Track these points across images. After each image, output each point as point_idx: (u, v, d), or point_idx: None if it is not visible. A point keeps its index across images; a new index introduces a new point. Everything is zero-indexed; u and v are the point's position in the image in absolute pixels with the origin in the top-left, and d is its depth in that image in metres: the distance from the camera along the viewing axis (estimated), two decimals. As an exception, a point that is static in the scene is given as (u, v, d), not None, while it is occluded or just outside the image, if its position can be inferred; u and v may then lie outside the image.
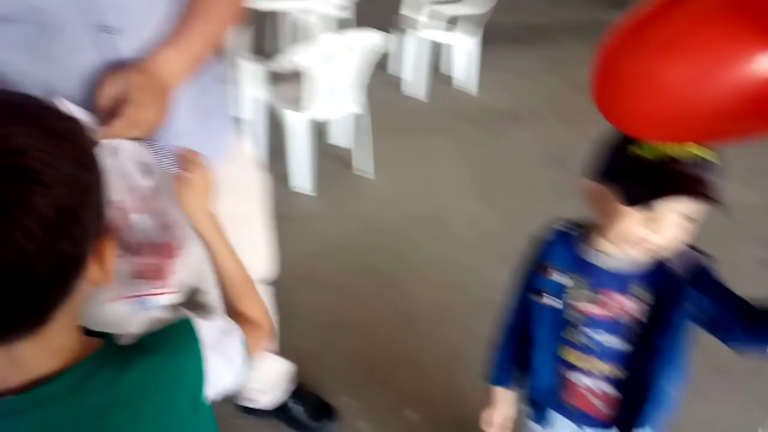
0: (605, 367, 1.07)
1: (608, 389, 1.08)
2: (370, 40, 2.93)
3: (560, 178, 3.28)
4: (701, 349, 1.09)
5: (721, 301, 0.96)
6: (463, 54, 4.40)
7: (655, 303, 1.00)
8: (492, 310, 2.22)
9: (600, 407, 1.11)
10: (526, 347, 1.14)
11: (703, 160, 0.86)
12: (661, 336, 1.00)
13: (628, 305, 1.01)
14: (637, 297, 1.01)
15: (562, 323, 1.06)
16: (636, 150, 0.88)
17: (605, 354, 1.05)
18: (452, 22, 4.43)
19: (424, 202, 3.06)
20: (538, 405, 1.19)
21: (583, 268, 1.03)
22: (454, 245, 2.72)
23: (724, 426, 1.86)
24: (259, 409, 1.84)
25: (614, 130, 0.96)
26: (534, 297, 1.08)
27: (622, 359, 1.05)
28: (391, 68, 4.53)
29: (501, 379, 1.26)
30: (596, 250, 1.02)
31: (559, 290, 1.05)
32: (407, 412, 1.90)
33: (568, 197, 2.99)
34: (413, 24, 4.32)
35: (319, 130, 3.56)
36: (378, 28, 2.99)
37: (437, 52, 4.58)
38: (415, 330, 2.22)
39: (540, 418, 1.19)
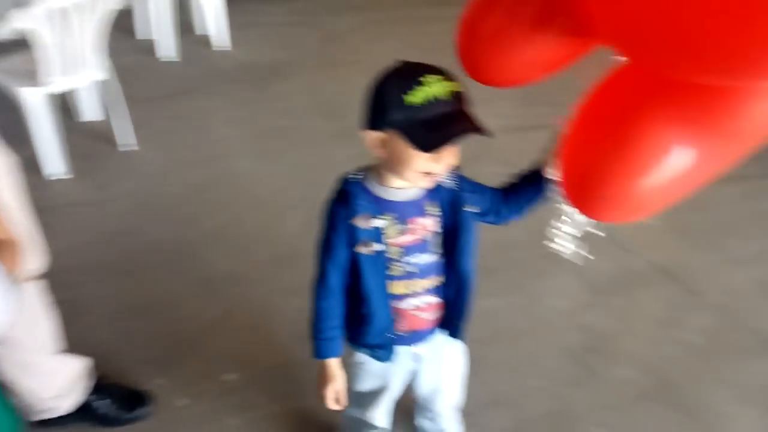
0: (426, 283, 1.22)
1: (432, 299, 1.24)
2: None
3: (333, 126, 3.43)
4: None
5: (485, 194, 1.22)
6: (212, 10, 4.23)
7: (442, 213, 1.17)
8: (293, 260, 2.31)
9: (428, 318, 1.27)
10: (353, 303, 1.21)
11: (459, 92, 1.02)
12: (457, 237, 1.18)
13: (427, 224, 1.17)
14: (430, 214, 1.17)
15: (386, 263, 1.17)
16: (410, 99, 0.99)
17: (424, 271, 1.20)
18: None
19: (203, 167, 2.95)
20: (380, 347, 1.26)
21: (388, 207, 1.14)
22: (243, 205, 2.70)
23: (501, 314, 2.22)
24: (59, 417, 1.68)
25: (375, 79, 1.06)
26: (361, 249, 1.14)
27: (437, 269, 1.22)
28: (140, 32, 4.18)
29: (331, 350, 1.24)
30: (390, 187, 1.14)
31: (378, 234, 1.14)
32: (225, 376, 1.91)
33: (344, 143, 3.19)
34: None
35: (67, 106, 3.18)
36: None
37: (188, 10, 4.33)
38: (218, 294, 2.20)
39: (387, 356, 1.28)
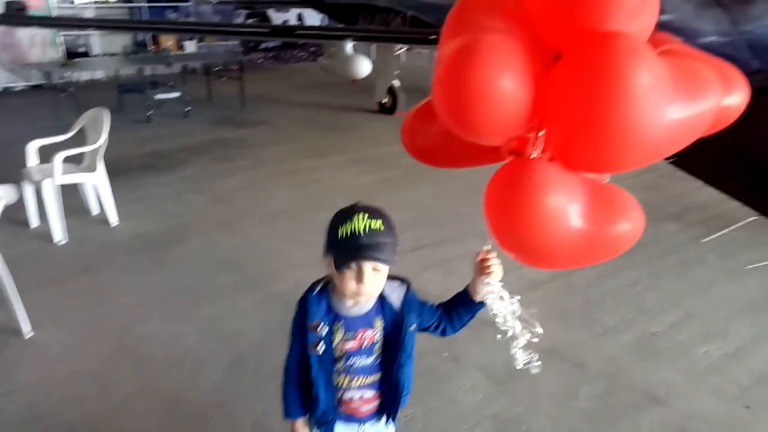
0: (366, 380, 1.46)
1: (369, 392, 1.48)
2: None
3: (235, 277, 3.60)
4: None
5: (427, 314, 1.47)
6: (95, 190, 4.45)
7: (385, 325, 1.43)
8: (213, 412, 2.37)
9: (365, 409, 1.50)
10: (309, 386, 1.46)
11: (373, 229, 1.30)
12: (395, 346, 1.43)
13: (371, 335, 1.43)
14: (376, 326, 1.43)
15: (333, 360, 1.42)
16: (340, 231, 1.30)
17: (364, 370, 1.45)
18: (76, 161, 4.41)
19: (110, 340, 2.96)
20: (324, 423, 1.51)
21: (338, 318, 1.40)
22: (156, 369, 2.73)
23: (421, 419, 2.39)
24: None
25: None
26: (311, 350, 1.40)
27: (375, 368, 1.46)
28: (20, 217, 4.24)
29: (291, 413, 1.55)
30: (342, 301, 1.41)
31: (326, 338, 1.40)
32: None
33: (248, 293, 3.37)
34: (37, 172, 4.16)
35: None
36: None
37: (71, 192, 4.48)
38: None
39: (328, 430, 1.52)
